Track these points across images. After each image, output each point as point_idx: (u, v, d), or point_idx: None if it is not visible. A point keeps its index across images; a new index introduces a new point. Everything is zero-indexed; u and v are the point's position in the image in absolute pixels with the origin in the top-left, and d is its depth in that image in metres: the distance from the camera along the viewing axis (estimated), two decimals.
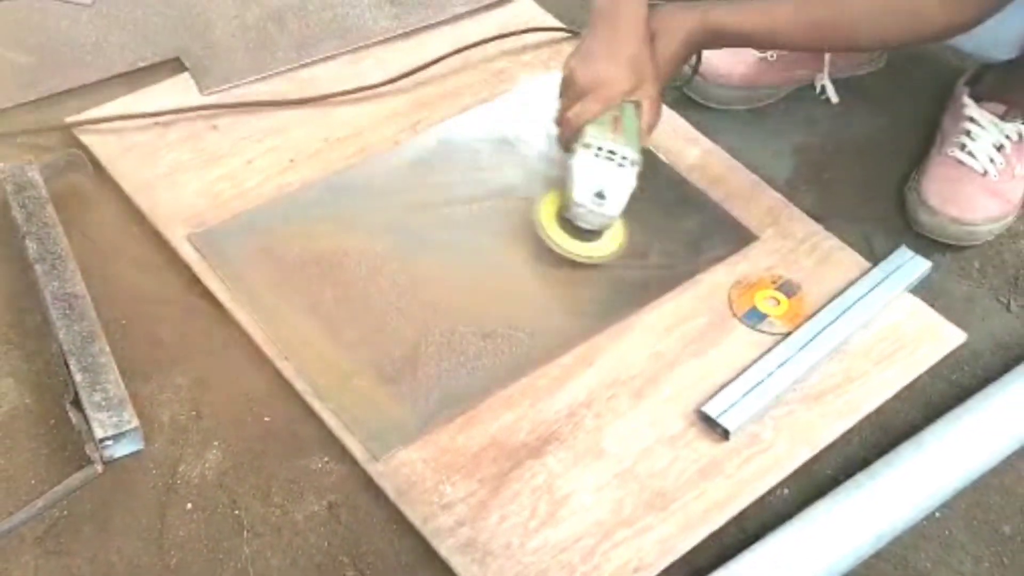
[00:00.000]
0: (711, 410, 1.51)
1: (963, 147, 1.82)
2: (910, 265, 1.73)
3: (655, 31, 1.67)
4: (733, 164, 1.90)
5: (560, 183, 1.71)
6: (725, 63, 2.02)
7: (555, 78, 1.94)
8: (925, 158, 1.89)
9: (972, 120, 1.84)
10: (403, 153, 1.87)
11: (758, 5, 1.67)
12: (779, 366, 1.57)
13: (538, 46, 2.09)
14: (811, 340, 1.61)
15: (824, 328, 1.62)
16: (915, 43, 1.69)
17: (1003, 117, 1.83)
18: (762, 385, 1.54)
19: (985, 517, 1.49)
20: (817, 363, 1.59)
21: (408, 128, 1.91)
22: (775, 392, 1.54)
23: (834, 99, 2.03)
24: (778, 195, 1.85)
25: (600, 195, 1.63)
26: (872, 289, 1.68)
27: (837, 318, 1.64)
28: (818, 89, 2.04)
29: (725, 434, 1.50)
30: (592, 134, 1.64)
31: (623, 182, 1.64)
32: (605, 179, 1.63)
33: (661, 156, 1.88)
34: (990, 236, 1.82)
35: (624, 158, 1.64)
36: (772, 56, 2.00)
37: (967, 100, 1.86)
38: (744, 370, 1.58)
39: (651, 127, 1.69)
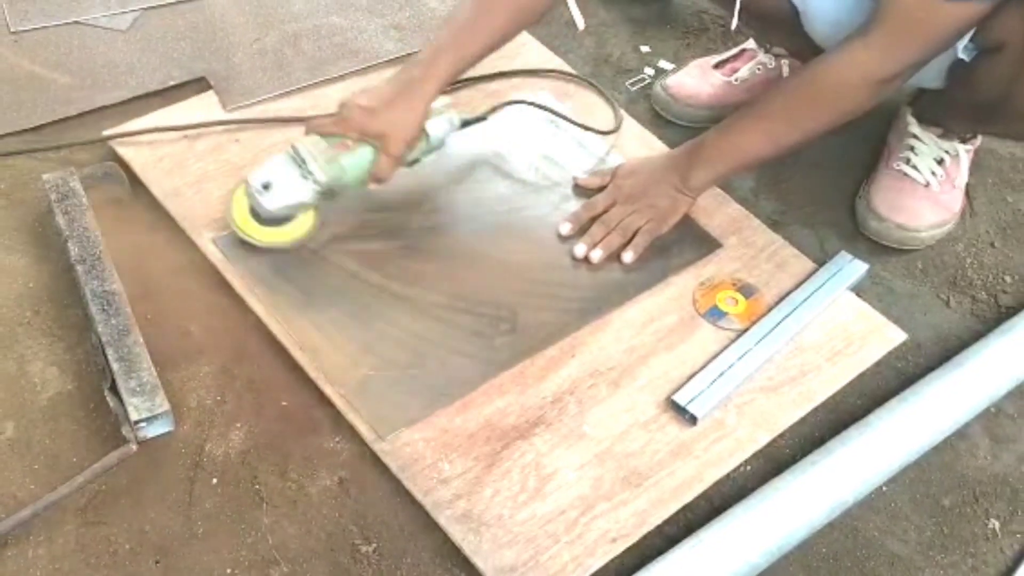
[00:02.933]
0: (680, 399, 1.52)
1: (908, 161, 1.83)
2: (849, 268, 1.74)
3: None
4: None
5: None
6: (693, 85, 2.03)
7: (543, 98, 1.96)
8: (873, 171, 1.90)
9: (915, 137, 1.85)
10: None
11: (728, 147, 1.70)
12: (739, 358, 1.58)
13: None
14: (765, 335, 1.62)
15: (775, 325, 1.63)
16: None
17: (942, 136, 1.84)
18: (724, 376, 1.55)
19: (927, 491, 1.50)
20: (771, 355, 1.60)
21: None
22: (735, 382, 1.55)
23: None
24: (741, 207, 1.85)
25: (266, 186, 1.61)
26: (817, 290, 1.69)
27: (787, 316, 1.65)
28: None
29: (693, 420, 1.51)
30: (306, 143, 1.61)
31: (292, 188, 1.61)
32: (278, 177, 1.61)
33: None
34: (932, 241, 1.82)
35: (310, 173, 1.60)
36: (736, 79, 2.01)
37: (911, 119, 1.86)
38: (708, 363, 1.58)
39: (378, 179, 1.65)
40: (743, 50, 2.07)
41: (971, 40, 1.57)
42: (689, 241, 1.77)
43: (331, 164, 1.61)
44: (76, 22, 2.15)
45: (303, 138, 1.63)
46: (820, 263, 1.75)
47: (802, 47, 1.87)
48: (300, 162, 1.61)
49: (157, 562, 1.36)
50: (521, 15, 1.68)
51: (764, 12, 1.85)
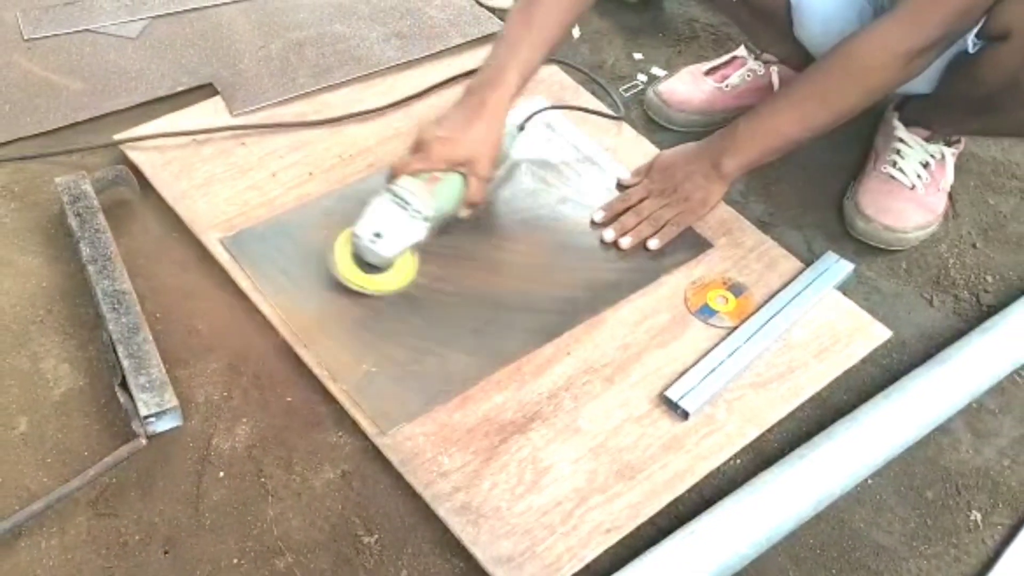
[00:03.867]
0: (672, 394, 1.52)
1: (894, 164, 1.83)
2: (836, 267, 1.74)
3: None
4: None
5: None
6: (685, 91, 2.03)
7: (535, 102, 1.96)
8: (860, 173, 1.90)
9: (902, 141, 1.85)
10: None
11: (760, 132, 1.68)
12: (729, 355, 1.58)
13: None
14: (754, 333, 1.62)
15: (764, 323, 1.64)
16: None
17: (928, 139, 1.84)
18: (715, 372, 1.55)
19: (911, 484, 1.50)
20: (760, 352, 1.60)
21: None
22: (726, 378, 1.55)
23: None
24: (731, 209, 1.85)
25: (378, 234, 1.59)
26: (804, 288, 1.69)
27: (775, 314, 1.65)
28: None
29: (685, 415, 1.51)
30: (402, 183, 1.60)
31: (405, 230, 1.60)
32: (388, 223, 1.59)
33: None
34: (916, 241, 1.83)
35: (417, 211, 1.59)
36: (727, 86, 2.01)
37: (897, 123, 1.86)
38: (699, 359, 1.59)
39: (472, 203, 1.67)
40: (733, 57, 2.08)
41: (976, 34, 1.58)
42: (681, 242, 1.77)
43: (433, 198, 1.60)
44: (87, 30, 2.15)
45: (397, 181, 1.61)
46: (808, 263, 1.75)
47: (791, 52, 1.88)
48: (404, 204, 1.59)
49: (166, 552, 1.36)
50: (569, 13, 1.69)
51: (760, 7, 1.85)
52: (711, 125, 2.00)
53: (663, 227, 1.74)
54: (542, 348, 1.60)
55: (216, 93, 2.01)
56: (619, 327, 1.64)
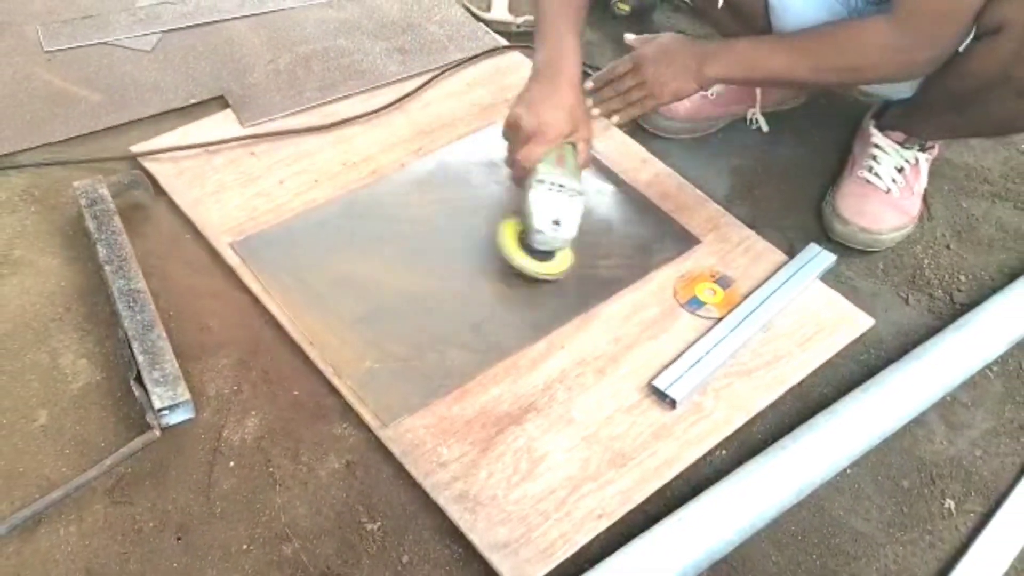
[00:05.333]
0: (661, 383, 1.52)
1: (870, 169, 1.83)
2: (818, 258, 1.74)
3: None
4: (680, 182, 1.90)
5: (514, 212, 1.69)
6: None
7: None
8: (839, 178, 1.90)
9: (878, 147, 1.84)
10: (408, 174, 1.87)
11: (752, 55, 1.67)
12: (715, 345, 1.58)
13: (517, 87, 2.08)
14: (739, 323, 1.62)
15: (750, 313, 1.64)
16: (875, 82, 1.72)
17: (903, 144, 1.83)
18: (701, 362, 1.55)
19: (888, 473, 1.50)
20: (745, 340, 1.60)
21: (412, 153, 1.92)
22: (713, 367, 1.55)
23: (764, 129, 2.03)
24: (718, 207, 1.85)
25: (556, 222, 1.61)
26: (788, 279, 1.70)
27: (760, 304, 1.65)
28: (750, 121, 2.05)
29: (673, 403, 1.51)
30: (543, 171, 1.62)
31: (574, 210, 1.62)
32: (560, 209, 1.61)
33: (621, 176, 1.89)
34: (892, 243, 1.82)
35: (573, 190, 1.62)
36: (712, 94, 2.01)
37: (873, 130, 1.86)
38: (686, 349, 1.59)
39: (585, 163, 1.70)
40: None
41: None
42: (670, 239, 1.77)
43: (573, 173, 1.65)
44: (104, 43, 2.15)
45: (538, 171, 1.63)
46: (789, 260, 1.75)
47: None
48: (559, 187, 1.62)
49: (179, 539, 1.36)
50: None
51: (742, 10, 1.85)
52: (697, 132, 2.00)
53: (629, 106, 1.74)
54: (537, 343, 1.60)
55: (227, 105, 2.02)
56: (611, 321, 1.64)
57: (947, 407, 1.59)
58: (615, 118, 1.75)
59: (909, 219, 1.83)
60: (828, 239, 1.82)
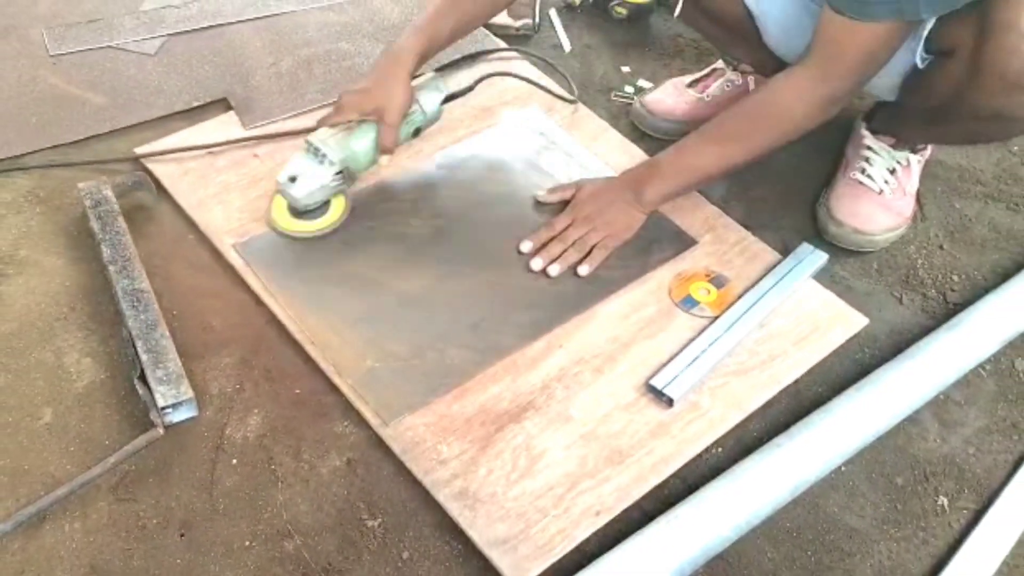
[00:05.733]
0: (658, 382, 1.52)
1: (863, 171, 1.83)
2: (811, 258, 1.75)
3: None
4: None
5: None
6: (669, 102, 2.03)
7: (530, 112, 1.97)
8: (832, 180, 1.90)
9: (870, 149, 1.85)
10: (409, 175, 1.87)
11: (681, 166, 1.71)
12: (710, 344, 1.58)
13: (516, 89, 2.09)
14: (734, 322, 1.62)
15: (744, 312, 1.64)
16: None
17: (895, 146, 1.84)
18: (697, 360, 1.55)
19: (882, 471, 1.50)
20: (740, 339, 1.60)
21: (413, 155, 1.91)
22: (708, 365, 1.55)
23: None
24: (714, 208, 1.85)
25: (292, 179, 1.69)
26: (781, 278, 1.70)
27: (754, 303, 1.65)
28: None
29: (670, 402, 1.51)
30: (315, 134, 1.70)
31: (315, 174, 1.69)
32: (300, 168, 1.69)
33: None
34: (886, 243, 1.82)
35: (324, 156, 1.68)
36: (708, 96, 2.01)
37: (865, 132, 1.87)
38: (682, 349, 1.59)
39: (385, 149, 1.71)
40: (713, 69, 2.08)
41: (925, 49, 1.59)
42: (667, 239, 1.77)
43: (341, 145, 1.69)
44: (109, 46, 2.15)
45: (313, 134, 1.70)
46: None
47: (763, 59, 1.88)
48: (315, 151, 1.69)
49: (182, 535, 1.36)
50: (482, 9, 1.78)
51: (730, 21, 1.85)
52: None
53: (590, 252, 1.72)
54: (535, 342, 1.60)
55: (230, 108, 2.02)
56: (608, 320, 1.64)
57: (940, 405, 1.59)
58: (583, 268, 1.70)
59: (902, 220, 1.83)
60: (822, 240, 1.82)
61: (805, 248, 1.76)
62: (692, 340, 1.60)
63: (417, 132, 1.81)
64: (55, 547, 1.34)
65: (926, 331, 1.66)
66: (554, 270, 1.69)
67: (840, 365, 1.63)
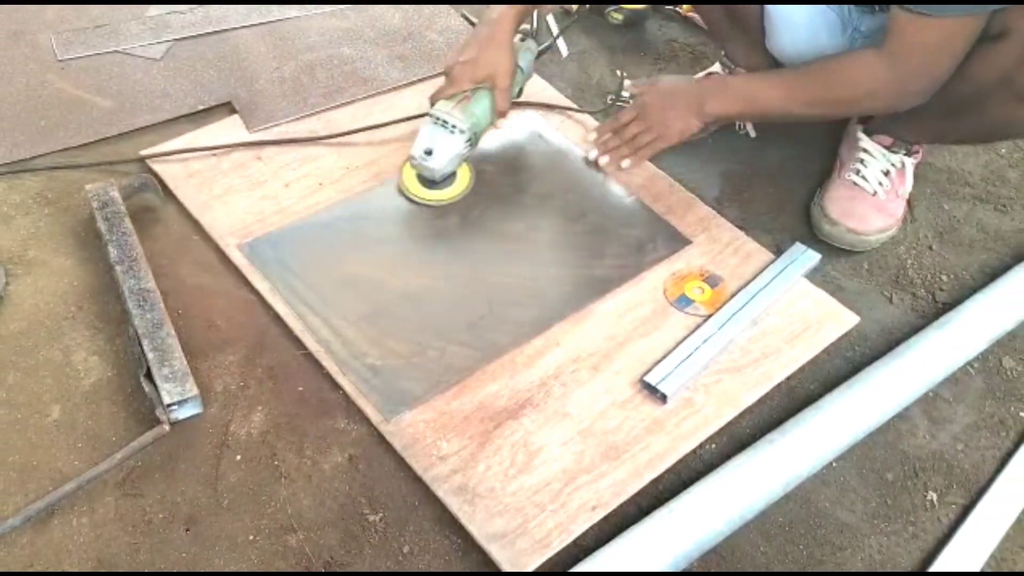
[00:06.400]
0: (652, 379, 1.52)
1: (857, 172, 1.83)
2: (803, 257, 1.75)
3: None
4: (673, 184, 1.90)
5: None
6: None
7: (524, 116, 1.97)
8: (826, 181, 1.90)
9: (865, 151, 1.85)
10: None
11: (750, 90, 1.72)
12: (704, 341, 1.59)
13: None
14: (727, 320, 1.62)
15: (737, 310, 1.64)
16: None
17: (889, 148, 1.84)
18: (691, 358, 1.56)
19: (872, 467, 1.50)
20: (733, 337, 1.60)
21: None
22: (702, 362, 1.55)
23: (752, 134, 2.04)
24: (709, 208, 1.85)
25: (428, 152, 1.75)
26: (774, 277, 1.70)
27: (746, 302, 1.65)
28: (739, 127, 2.06)
29: (664, 398, 1.51)
30: (437, 108, 1.76)
31: (448, 144, 1.76)
32: (434, 140, 1.76)
33: (615, 178, 1.89)
34: (878, 244, 1.82)
35: (454, 127, 1.74)
36: None
37: (860, 134, 1.86)
38: (676, 346, 1.59)
39: (501, 112, 1.79)
40: (709, 73, 2.08)
41: None
42: (662, 239, 1.78)
43: (466, 114, 1.75)
44: (115, 51, 2.16)
45: (434, 106, 1.77)
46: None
47: (760, 64, 1.87)
48: (443, 123, 1.76)
49: (187, 530, 1.36)
50: None
51: (738, 15, 1.85)
52: (690, 138, 2.00)
53: (640, 150, 1.81)
54: (533, 340, 1.60)
55: (234, 111, 2.02)
56: (605, 319, 1.64)
57: (930, 402, 1.59)
58: (626, 163, 1.81)
59: (894, 221, 1.83)
60: (816, 239, 1.82)
61: (798, 248, 1.76)
62: (686, 338, 1.60)
63: (520, 92, 1.89)
64: (63, 541, 1.34)
65: (916, 330, 1.66)
66: (603, 161, 1.85)
67: (832, 363, 1.63)
